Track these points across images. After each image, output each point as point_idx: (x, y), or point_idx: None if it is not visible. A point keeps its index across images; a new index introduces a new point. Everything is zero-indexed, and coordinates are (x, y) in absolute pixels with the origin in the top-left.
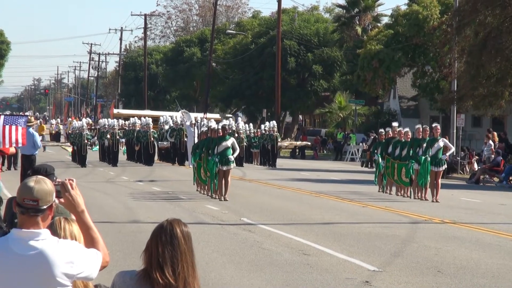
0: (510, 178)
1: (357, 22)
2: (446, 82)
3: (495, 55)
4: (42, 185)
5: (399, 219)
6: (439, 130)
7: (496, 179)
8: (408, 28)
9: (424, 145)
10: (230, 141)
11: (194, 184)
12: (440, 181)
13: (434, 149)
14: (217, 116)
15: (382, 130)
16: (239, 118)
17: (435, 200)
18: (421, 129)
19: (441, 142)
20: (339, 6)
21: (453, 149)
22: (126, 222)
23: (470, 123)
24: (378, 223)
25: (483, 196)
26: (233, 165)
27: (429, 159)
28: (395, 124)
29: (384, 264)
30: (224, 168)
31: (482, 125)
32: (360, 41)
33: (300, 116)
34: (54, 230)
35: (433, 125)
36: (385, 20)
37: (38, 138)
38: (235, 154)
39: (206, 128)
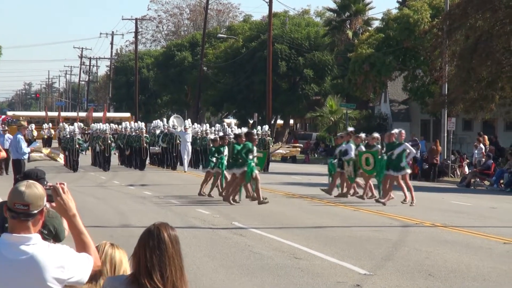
0: (501, 181)
1: (348, 26)
2: (437, 86)
3: (485, 58)
4: (33, 189)
5: (390, 223)
6: (404, 135)
7: (487, 183)
8: (399, 32)
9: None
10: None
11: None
12: (410, 184)
13: (395, 154)
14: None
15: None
16: (232, 123)
17: (385, 201)
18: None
19: (402, 147)
20: (330, 10)
21: (413, 153)
22: (117, 227)
23: (461, 127)
24: (369, 226)
25: (474, 199)
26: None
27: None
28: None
29: (375, 268)
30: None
31: (473, 129)
32: (351, 45)
33: (291, 120)
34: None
35: (397, 130)
36: (376, 24)
37: (24, 144)
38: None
39: (222, 134)
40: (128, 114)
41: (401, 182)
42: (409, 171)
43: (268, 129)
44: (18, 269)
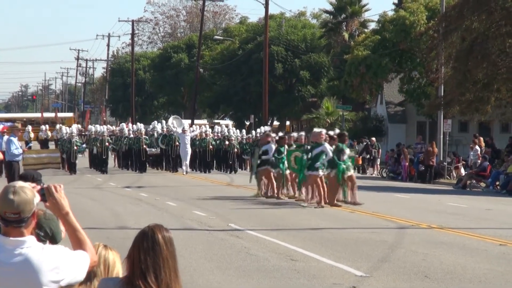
0: (497, 183)
1: (344, 28)
2: (433, 88)
3: (481, 60)
4: (22, 195)
5: (386, 225)
6: (323, 136)
7: (482, 184)
8: (395, 33)
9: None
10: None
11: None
12: (325, 186)
13: (313, 154)
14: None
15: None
16: (230, 124)
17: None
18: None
19: (321, 148)
20: (326, 12)
21: (330, 155)
22: (113, 228)
23: (457, 128)
24: (366, 228)
25: (470, 201)
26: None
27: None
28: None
29: (371, 269)
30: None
31: (468, 131)
32: (347, 47)
33: (288, 122)
34: None
35: (317, 130)
36: (372, 25)
37: (13, 146)
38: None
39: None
40: (70, 114)
41: (319, 182)
42: (321, 173)
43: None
44: (13, 272)
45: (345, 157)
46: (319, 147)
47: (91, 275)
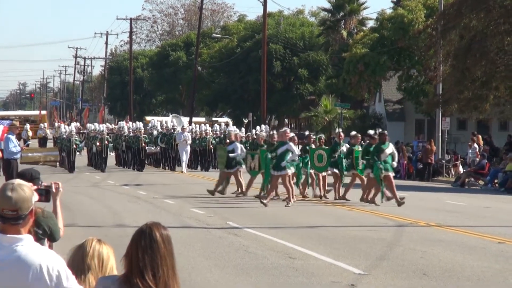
0: (495, 181)
1: (343, 26)
2: (431, 86)
3: (480, 58)
4: (20, 192)
5: (384, 222)
6: (288, 135)
7: (481, 182)
8: (393, 31)
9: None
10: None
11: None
12: (292, 185)
13: (278, 153)
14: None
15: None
16: (230, 123)
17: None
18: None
19: (286, 147)
20: (325, 9)
21: (296, 154)
22: (112, 226)
23: (455, 126)
24: (364, 226)
25: (468, 199)
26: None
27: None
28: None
29: (369, 267)
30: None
31: (467, 128)
32: (346, 45)
33: (286, 120)
34: (84, 247)
35: (282, 130)
36: (371, 23)
37: (11, 144)
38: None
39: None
40: (36, 112)
41: (286, 183)
42: (290, 172)
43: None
44: (7, 269)
45: (386, 156)
46: (283, 146)
47: (85, 269)
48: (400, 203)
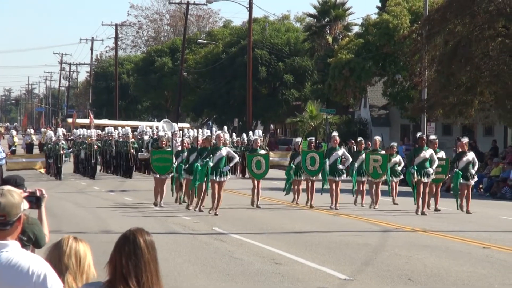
0: (480, 186)
1: (328, 32)
2: (417, 91)
3: (465, 63)
4: (9, 198)
5: (370, 228)
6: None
7: None
8: (378, 37)
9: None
10: (225, 151)
11: (180, 199)
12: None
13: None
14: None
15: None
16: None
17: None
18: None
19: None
20: (310, 15)
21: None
22: (97, 233)
23: (440, 132)
24: (349, 231)
25: (453, 204)
26: (227, 177)
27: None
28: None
29: (355, 273)
30: (217, 179)
31: (452, 134)
32: (331, 50)
33: (272, 125)
34: (60, 246)
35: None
36: (356, 29)
37: None
38: (232, 164)
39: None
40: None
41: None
42: (228, 177)
43: (262, 135)
44: None
45: (424, 161)
46: (219, 150)
47: (62, 269)
48: (422, 212)
